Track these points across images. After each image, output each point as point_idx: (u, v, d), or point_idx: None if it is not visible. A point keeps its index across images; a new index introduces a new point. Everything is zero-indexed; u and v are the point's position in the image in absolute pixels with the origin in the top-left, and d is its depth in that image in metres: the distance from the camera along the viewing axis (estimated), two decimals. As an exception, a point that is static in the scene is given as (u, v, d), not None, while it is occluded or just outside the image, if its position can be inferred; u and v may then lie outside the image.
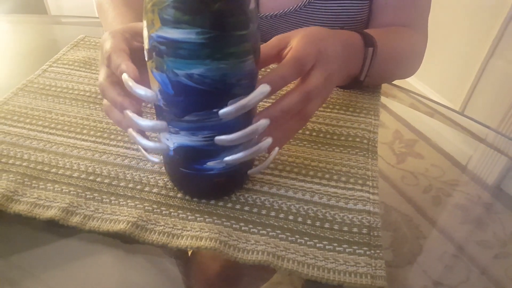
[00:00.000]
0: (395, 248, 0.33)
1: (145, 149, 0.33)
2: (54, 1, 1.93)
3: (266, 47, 0.36)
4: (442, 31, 1.52)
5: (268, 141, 0.32)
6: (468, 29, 1.46)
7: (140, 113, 0.31)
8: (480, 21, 1.40)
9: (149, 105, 0.46)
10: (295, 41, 0.35)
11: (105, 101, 0.35)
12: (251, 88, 0.30)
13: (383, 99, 0.51)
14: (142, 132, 0.32)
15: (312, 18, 0.56)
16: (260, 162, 0.39)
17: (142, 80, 0.30)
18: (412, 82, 1.73)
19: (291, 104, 0.32)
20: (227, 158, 0.31)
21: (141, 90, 0.29)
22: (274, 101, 0.32)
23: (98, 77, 0.35)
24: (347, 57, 0.40)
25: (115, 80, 0.33)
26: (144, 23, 0.28)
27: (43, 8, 1.92)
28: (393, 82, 0.56)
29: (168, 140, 0.32)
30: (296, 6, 0.55)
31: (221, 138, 0.30)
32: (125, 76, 0.30)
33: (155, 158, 0.34)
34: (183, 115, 0.29)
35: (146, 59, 0.29)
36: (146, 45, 0.28)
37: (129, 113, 0.31)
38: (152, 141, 0.32)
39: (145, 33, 0.28)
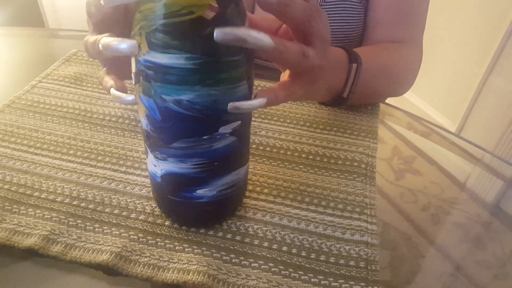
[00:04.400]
0: (393, 267, 0.32)
1: (119, 51, 0.26)
2: (52, 14, 1.92)
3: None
4: (441, 47, 1.52)
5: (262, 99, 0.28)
6: (467, 46, 1.46)
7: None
8: (479, 38, 1.40)
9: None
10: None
11: (85, 38, 0.34)
12: (244, 114, 0.29)
13: (380, 116, 0.49)
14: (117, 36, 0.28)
15: None
16: (254, 187, 0.37)
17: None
18: (410, 98, 1.72)
19: (298, 3, 0.27)
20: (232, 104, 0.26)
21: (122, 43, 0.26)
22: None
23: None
24: (328, 69, 0.39)
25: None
26: None
27: (40, 21, 1.90)
28: (388, 101, 0.55)
29: (155, 166, 0.30)
30: None
31: None
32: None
33: (129, 97, 0.29)
34: (171, 141, 0.28)
35: (133, 82, 0.28)
36: (133, 69, 0.27)
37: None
38: (125, 40, 0.26)
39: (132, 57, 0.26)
